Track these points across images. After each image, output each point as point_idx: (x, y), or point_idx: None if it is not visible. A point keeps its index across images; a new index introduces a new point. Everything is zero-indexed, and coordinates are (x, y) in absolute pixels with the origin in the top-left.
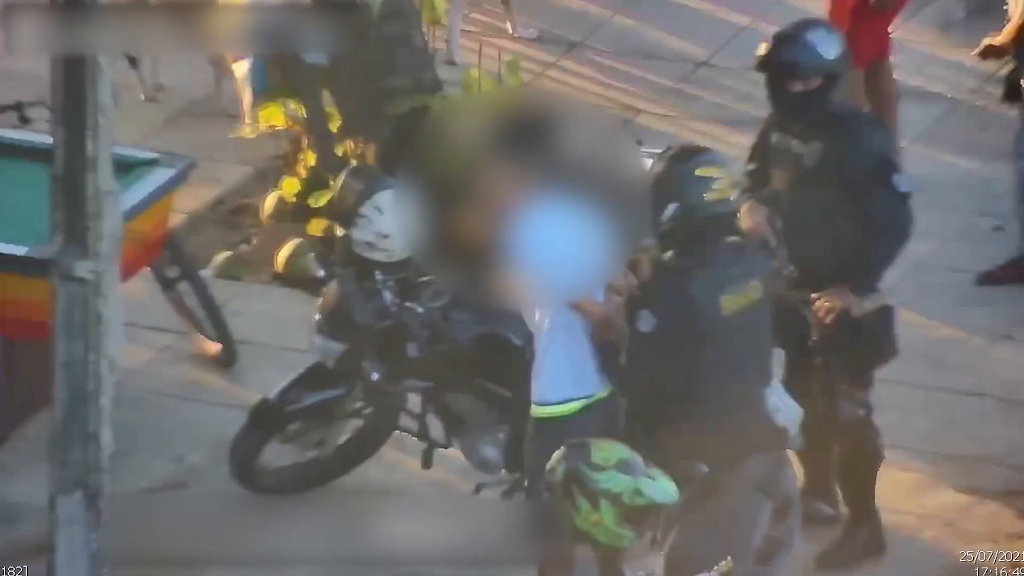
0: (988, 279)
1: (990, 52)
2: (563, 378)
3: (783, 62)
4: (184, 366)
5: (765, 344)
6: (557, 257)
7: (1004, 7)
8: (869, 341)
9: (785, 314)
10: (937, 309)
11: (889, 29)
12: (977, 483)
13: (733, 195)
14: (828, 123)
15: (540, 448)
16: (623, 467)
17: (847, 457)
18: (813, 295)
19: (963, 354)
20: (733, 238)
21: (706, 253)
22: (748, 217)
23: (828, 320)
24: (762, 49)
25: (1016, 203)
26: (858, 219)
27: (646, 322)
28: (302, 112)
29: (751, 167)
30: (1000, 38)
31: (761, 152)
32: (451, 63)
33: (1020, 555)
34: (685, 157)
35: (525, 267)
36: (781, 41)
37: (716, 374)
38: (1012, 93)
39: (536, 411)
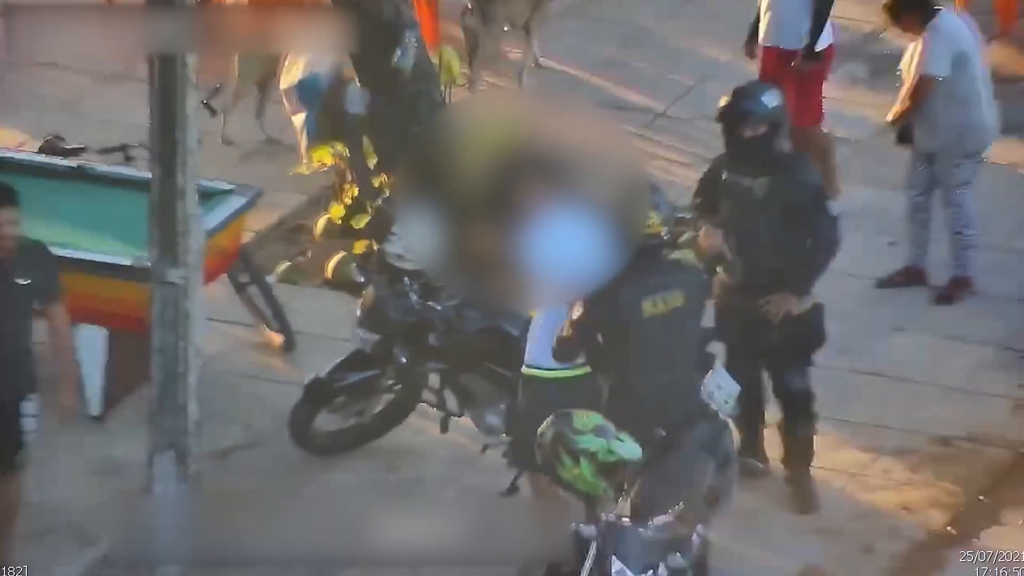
0: (885, 283)
1: (899, 120)
2: (547, 350)
3: (738, 112)
4: (253, 352)
5: (692, 340)
6: (559, 261)
7: (897, 71)
8: (810, 331)
9: (740, 315)
10: (845, 307)
11: (822, 95)
12: (875, 444)
13: (663, 231)
14: (773, 162)
15: (524, 400)
16: (598, 431)
17: (795, 421)
18: (762, 300)
19: (864, 342)
20: (669, 259)
21: (635, 270)
22: (706, 237)
23: (777, 319)
24: (722, 102)
25: (907, 224)
26: (798, 238)
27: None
28: (346, 152)
29: (699, 200)
30: (898, 106)
31: (710, 186)
32: None
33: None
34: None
35: (535, 266)
36: (735, 96)
37: (647, 361)
38: (904, 137)
39: (525, 371)
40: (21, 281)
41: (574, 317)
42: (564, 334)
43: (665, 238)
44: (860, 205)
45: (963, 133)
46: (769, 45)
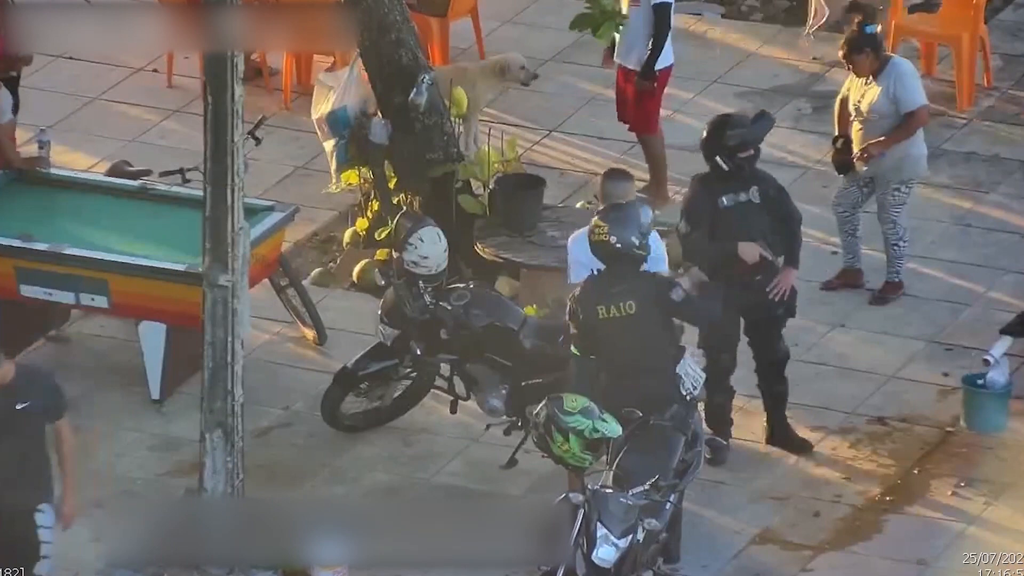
0: (828, 286)
1: (878, 149)
2: None
3: (738, 139)
4: (290, 345)
5: (658, 338)
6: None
7: (855, 107)
8: (794, 300)
9: (749, 296)
10: (800, 323)
11: (658, 109)
12: (821, 424)
13: (616, 242)
14: (755, 174)
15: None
16: (585, 412)
17: (781, 380)
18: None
19: (811, 336)
20: (632, 272)
21: (599, 281)
22: (747, 251)
23: (787, 294)
24: (719, 132)
25: (839, 235)
26: (782, 224)
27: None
28: (370, 175)
29: (697, 232)
30: (889, 137)
31: (704, 212)
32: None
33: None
34: (600, 217)
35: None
36: (733, 126)
37: (612, 356)
38: (844, 166)
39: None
40: (22, 406)
41: (566, 318)
42: (567, 331)
43: (637, 253)
44: (807, 219)
45: (904, 162)
46: (619, 63)
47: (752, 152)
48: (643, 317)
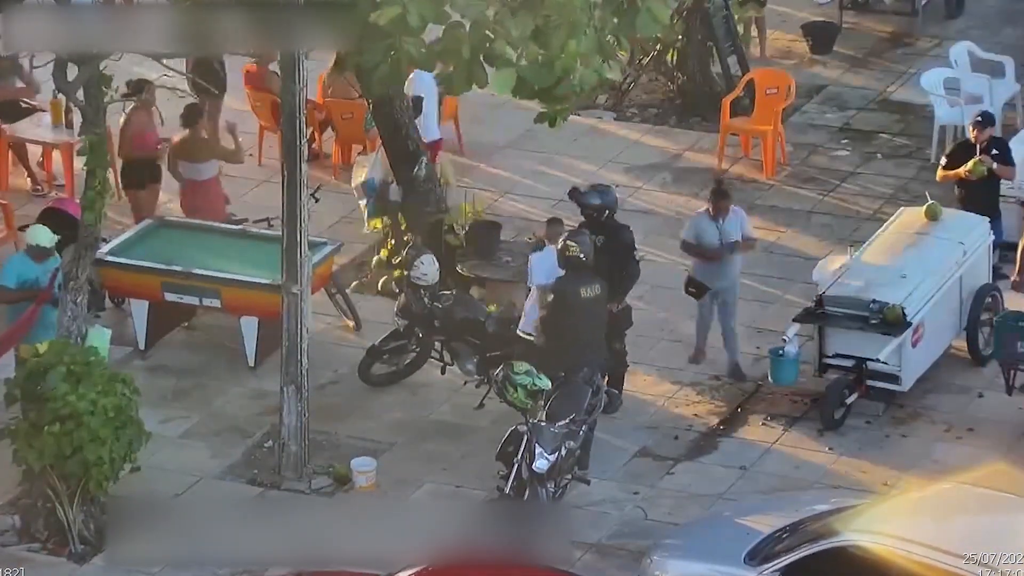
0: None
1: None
2: (530, 322)
3: (601, 202)
4: (338, 331)
5: (604, 315)
6: (544, 267)
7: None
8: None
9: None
10: (663, 304)
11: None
12: (678, 380)
13: (581, 255)
14: (606, 224)
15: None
16: (528, 373)
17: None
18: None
19: (676, 323)
20: (591, 270)
21: (573, 274)
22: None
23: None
24: (594, 196)
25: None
26: (618, 260)
27: (550, 298)
28: (389, 222)
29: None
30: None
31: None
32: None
33: (757, 441)
34: (567, 240)
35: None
36: (601, 192)
37: (582, 326)
38: (698, 289)
39: (520, 333)
40: None
41: (546, 303)
42: (542, 316)
43: (589, 261)
44: (666, 247)
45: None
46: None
47: (609, 213)
48: (602, 298)
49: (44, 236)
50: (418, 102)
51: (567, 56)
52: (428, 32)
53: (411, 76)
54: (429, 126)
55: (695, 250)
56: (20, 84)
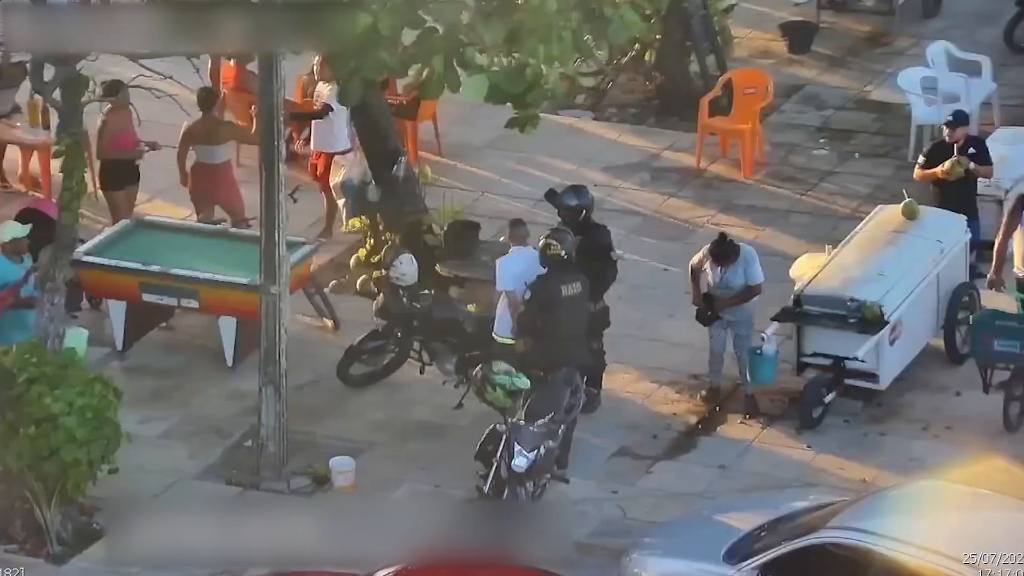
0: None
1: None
2: (506, 324)
3: (581, 202)
4: (317, 331)
5: (584, 313)
6: (511, 272)
7: None
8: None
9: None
10: (639, 304)
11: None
12: (658, 379)
13: (563, 253)
14: (583, 224)
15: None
16: (507, 373)
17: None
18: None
19: (651, 321)
20: (574, 267)
21: (555, 272)
22: None
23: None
24: (571, 197)
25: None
26: (596, 260)
27: (529, 296)
28: (368, 222)
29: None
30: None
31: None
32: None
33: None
34: (547, 238)
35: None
36: (577, 194)
37: (562, 324)
38: (709, 315)
39: (496, 337)
40: None
41: (526, 301)
42: (521, 313)
43: (571, 258)
44: (643, 250)
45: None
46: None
47: (585, 212)
48: (584, 295)
49: (16, 229)
50: (325, 109)
51: (538, 61)
52: (405, 35)
53: (330, 86)
54: (339, 136)
55: (695, 284)
56: None
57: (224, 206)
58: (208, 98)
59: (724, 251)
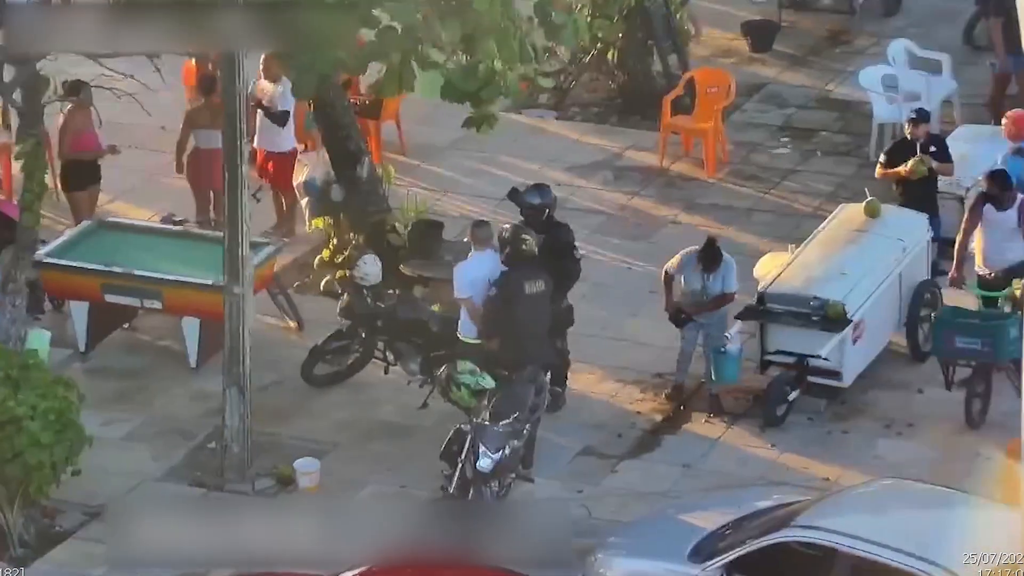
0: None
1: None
2: (468, 327)
3: (544, 201)
4: (280, 331)
5: (547, 311)
6: (468, 278)
7: None
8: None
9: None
10: (604, 303)
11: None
12: (623, 379)
13: (536, 249)
14: (548, 223)
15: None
16: (471, 373)
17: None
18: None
19: (615, 321)
20: (539, 265)
21: (518, 269)
22: None
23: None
24: (534, 196)
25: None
26: (558, 259)
27: (493, 293)
28: (332, 221)
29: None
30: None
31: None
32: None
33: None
34: (516, 233)
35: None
36: (540, 193)
37: (523, 319)
38: (681, 318)
39: (460, 337)
40: None
41: (489, 300)
42: (485, 312)
43: (537, 256)
44: (610, 247)
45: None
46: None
47: (548, 211)
48: (547, 293)
49: None
50: (285, 116)
51: (490, 59)
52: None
53: (280, 89)
54: (287, 136)
55: (668, 289)
56: None
57: (221, 192)
58: (208, 83)
59: (714, 255)
